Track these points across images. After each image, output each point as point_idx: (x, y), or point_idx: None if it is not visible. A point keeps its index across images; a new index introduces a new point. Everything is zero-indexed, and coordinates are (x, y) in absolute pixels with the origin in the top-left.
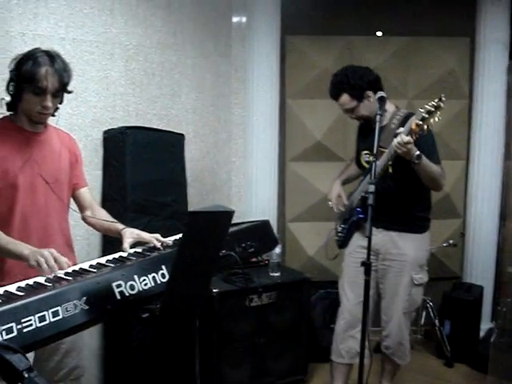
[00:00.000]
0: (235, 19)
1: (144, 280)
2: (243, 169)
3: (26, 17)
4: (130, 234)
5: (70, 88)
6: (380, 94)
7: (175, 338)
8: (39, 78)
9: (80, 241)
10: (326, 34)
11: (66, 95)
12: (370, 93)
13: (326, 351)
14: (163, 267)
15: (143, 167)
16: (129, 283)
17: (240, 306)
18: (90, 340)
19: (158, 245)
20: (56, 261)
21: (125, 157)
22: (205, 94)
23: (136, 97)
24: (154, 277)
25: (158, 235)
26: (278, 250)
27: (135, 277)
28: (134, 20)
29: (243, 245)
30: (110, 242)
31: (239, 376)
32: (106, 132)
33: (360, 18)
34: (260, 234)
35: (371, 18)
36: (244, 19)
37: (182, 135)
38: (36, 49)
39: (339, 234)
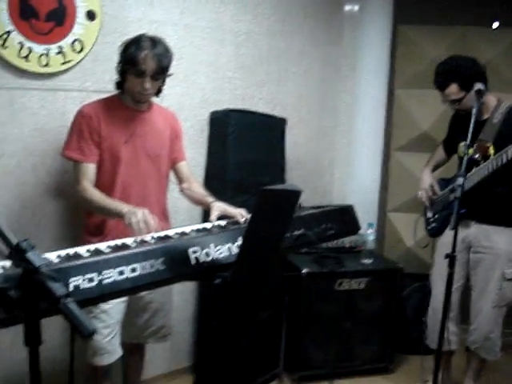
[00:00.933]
0: (347, 8)
1: (219, 249)
2: (346, 156)
3: (142, 4)
4: (218, 208)
5: (181, 71)
6: (478, 86)
7: (245, 307)
8: (139, 62)
9: (182, 213)
10: (439, 24)
11: (177, 77)
12: (479, 84)
13: (415, 344)
14: (239, 239)
15: (244, 148)
16: (204, 250)
17: (329, 288)
18: (184, 304)
19: (241, 219)
20: (146, 223)
21: (228, 137)
22: (311, 81)
23: (243, 81)
24: (229, 247)
25: (243, 210)
26: (371, 237)
27: (211, 245)
28: (245, 8)
29: (323, 226)
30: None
31: (324, 357)
32: (212, 113)
33: (475, 8)
34: (343, 217)
35: (487, 8)
36: (356, 8)
37: (283, 120)
38: (142, 34)
39: (432, 224)
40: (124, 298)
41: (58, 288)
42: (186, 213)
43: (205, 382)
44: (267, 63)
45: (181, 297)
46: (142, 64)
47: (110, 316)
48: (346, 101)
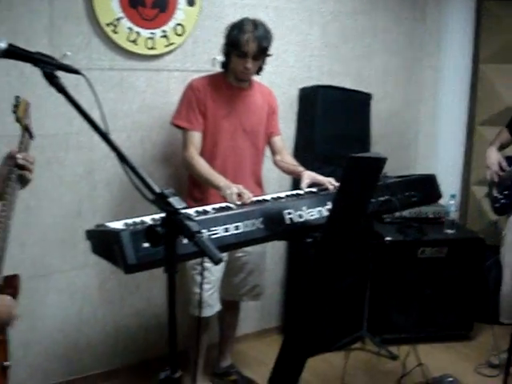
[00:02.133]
0: None
1: (311, 211)
2: (431, 130)
3: None
4: (308, 176)
5: (271, 51)
6: None
7: (333, 269)
8: (242, 44)
9: (273, 183)
10: None
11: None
12: None
13: (495, 314)
14: (328, 203)
15: (331, 122)
16: (298, 212)
17: (411, 256)
18: (274, 268)
19: (331, 187)
20: (240, 195)
21: (316, 112)
22: (396, 57)
23: (330, 58)
24: (319, 210)
25: (331, 179)
26: (453, 208)
27: (304, 208)
28: None
29: (407, 193)
30: (298, 184)
31: (405, 322)
32: (301, 90)
33: None
34: (425, 186)
35: None
36: None
37: (369, 95)
38: (244, 18)
39: (501, 201)
40: (224, 257)
41: (193, 225)
42: (277, 183)
43: (293, 341)
44: (353, 41)
45: (272, 260)
46: (245, 46)
47: (212, 273)
48: (431, 75)
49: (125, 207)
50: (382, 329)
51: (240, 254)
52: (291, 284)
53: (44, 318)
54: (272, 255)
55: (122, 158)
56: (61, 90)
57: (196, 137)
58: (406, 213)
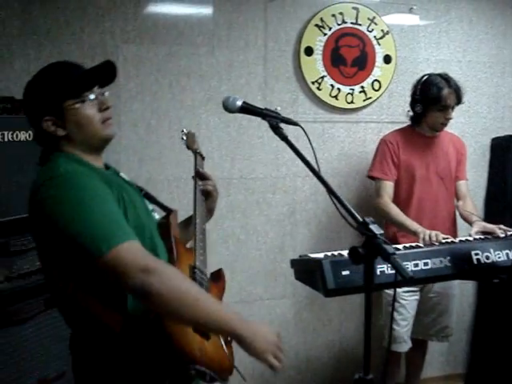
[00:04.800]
0: None
1: (498, 254)
2: None
3: (430, 46)
4: (478, 225)
5: (464, 102)
6: None
7: None
8: (444, 98)
9: (466, 230)
10: None
11: (460, 108)
12: None
13: None
14: None
15: None
16: (485, 254)
17: None
18: (462, 314)
19: (500, 233)
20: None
21: (508, 161)
22: None
23: None
24: (507, 253)
25: (501, 226)
26: None
27: (491, 250)
28: None
29: None
30: None
31: None
32: (493, 139)
33: None
34: None
35: None
36: None
37: None
38: (430, 75)
39: None
40: (417, 296)
41: (389, 248)
42: (469, 229)
43: None
44: None
45: (460, 306)
46: (446, 100)
47: (407, 310)
48: None
49: (321, 244)
50: None
51: (432, 295)
52: (479, 331)
53: None
54: (461, 301)
55: (330, 191)
56: (284, 138)
57: (389, 186)
58: None
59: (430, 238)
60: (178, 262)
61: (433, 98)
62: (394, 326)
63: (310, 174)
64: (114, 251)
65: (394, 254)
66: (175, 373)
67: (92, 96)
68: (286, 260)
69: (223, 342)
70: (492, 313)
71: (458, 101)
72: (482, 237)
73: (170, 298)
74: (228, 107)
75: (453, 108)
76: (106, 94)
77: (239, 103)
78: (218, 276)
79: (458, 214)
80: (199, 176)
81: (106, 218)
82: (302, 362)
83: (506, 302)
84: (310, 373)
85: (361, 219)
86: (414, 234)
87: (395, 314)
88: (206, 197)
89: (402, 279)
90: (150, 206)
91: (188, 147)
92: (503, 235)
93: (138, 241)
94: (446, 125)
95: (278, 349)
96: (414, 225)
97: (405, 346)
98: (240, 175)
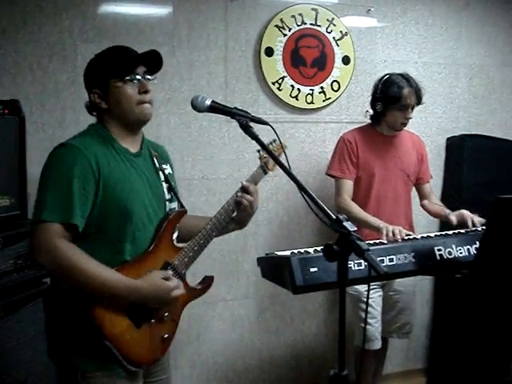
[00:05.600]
0: None
1: (460, 249)
2: None
3: (387, 48)
4: (456, 213)
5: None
6: None
7: (484, 303)
8: (404, 98)
9: (421, 228)
10: None
11: (416, 109)
12: None
13: None
14: (477, 242)
15: (479, 170)
16: (447, 249)
17: None
18: (421, 310)
19: (477, 223)
20: (400, 237)
21: (463, 160)
22: None
23: (477, 109)
24: (468, 249)
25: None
26: None
27: (453, 245)
28: (478, 43)
29: None
30: (445, 228)
31: None
32: (448, 139)
33: None
34: None
35: None
36: None
37: None
38: (391, 74)
39: None
40: (381, 293)
41: (363, 245)
42: (425, 227)
43: None
44: (500, 92)
45: (418, 303)
46: (406, 99)
47: (374, 308)
48: None
49: (283, 244)
50: None
51: (392, 293)
52: (437, 326)
53: (209, 342)
54: (419, 298)
55: (302, 188)
56: (254, 137)
57: (348, 184)
58: None
59: (393, 233)
60: (151, 254)
61: (393, 97)
62: (366, 326)
63: (271, 174)
64: (39, 225)
65: (369, 250)
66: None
67: (134, 78)
68: (249, 260)
69: (158, 336)
70: (450, 308)
71: (418, 101)
72: (444, 233)
73: (67, 275)
74: (197, 106)
75: (413, 108)
76: (155, 81)
77: (208, 102)
78: (206, 281)
79: (417, 212)
80: (243, 188)
81: (52, 196)
82: (265, 362)
83: (467, 297)
84: (273, 373)
85: (334, 216)
86: (377, 230)
87: (363, 314)
88: (238, 208)
89: (377, 275)
90: (168, 195)
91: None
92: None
93: (61, 224)
94: (405, 124)
95: (167, 290)
96: (376, 221)
97: (377, 343)
98: (201, 176)
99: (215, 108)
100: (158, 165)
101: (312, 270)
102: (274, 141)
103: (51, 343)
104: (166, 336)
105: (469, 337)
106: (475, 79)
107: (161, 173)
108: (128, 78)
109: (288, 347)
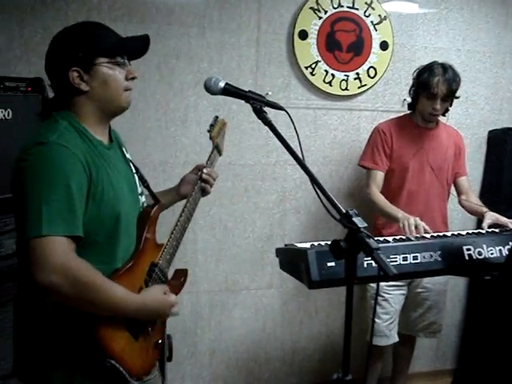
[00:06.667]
0: None
1: (491, 250)
2: None
3: (429, 33)
4: (490, 217)
5: (461, 93)
6: None
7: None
8: (432, 86)
9: (457, 223)
10: None
11: (458, 99)
12: None
13: None
14: (510, 243)
15: None
16: (477, 249)
17: None
18: (453, 310)
19: None
20: (416, 228)
21: (505, 155)
22: None
23: None
24: (500, 249)
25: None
26: None
27: (484, 245)
28: None
29: None
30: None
31: None
32: (490, 132)
33: None
34: None
35: None
36: None
37: None
38: (434, 61)
39: None
40: (403, 291)
41: (372, 243)
42: (461, 223)
43: None
44: None
45: (450, 302)
46: (435, 88)
47: (390, 304)
48: None
49: (310, 233)
50: None
51: (420, 290)
52: (469, 327)
53: (230, 330)
54: (451, 297)
55: (313, 180)
56: (267, 123)
57: (379, 176)
58: None
59: (409, 224)
60: (139, 257)
61: (422, 83)
62: (376, 320)
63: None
64: (38, 240)
65: (378, 249)
66: (91, 362)
67: (125, 62)
68: (274, 250)
69: (152, 343)
70: (482, 309)
71: (450, 93)
72: (476, 231)
73: (81, 294)
74: (210, 88)
75: (443, 99)
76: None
77: (222, 84)
78: (179, 275)
79: (453, 208)
80: (202, 178)
81: (51, 206)
82: (288, 354)
83: (497, 300)
84: (295, 365)
85: (344, 211)
86: (395, 220)
87: (377, 307)
88: (202, 194)
89: (384, 276)
90: (140, 189)
91: (210, 137)
92: None
93: (66, 237)
94: (435, 116)
95: (169, 306)
96: (396, 211)
97: (385, 340)
98: (228, 161)
99: (229, 91)
100: (127, 155)
101: (329, 264)
102: (217, 117)
103: (20, 360)
104: (159, 341)
105: (499, 341)
106: None
107: (131, 163)
108: (121, 59)
109: (312, 340)
